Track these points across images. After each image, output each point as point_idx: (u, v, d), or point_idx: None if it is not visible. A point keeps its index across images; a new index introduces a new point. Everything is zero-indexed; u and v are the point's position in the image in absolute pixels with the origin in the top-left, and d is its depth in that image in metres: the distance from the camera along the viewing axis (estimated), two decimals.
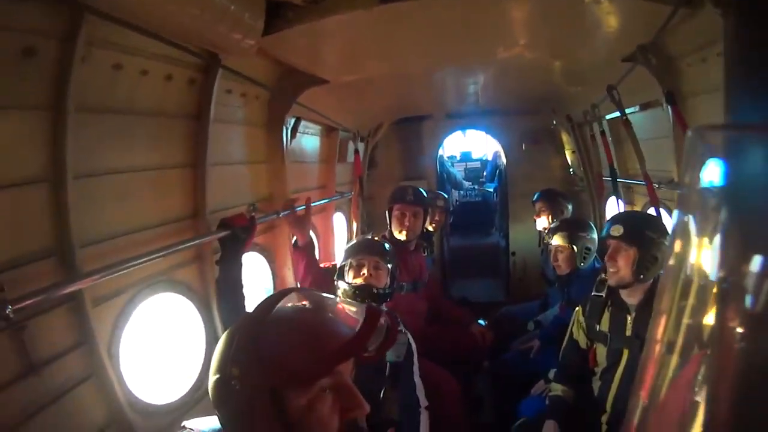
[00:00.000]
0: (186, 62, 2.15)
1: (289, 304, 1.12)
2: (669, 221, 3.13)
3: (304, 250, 3.03)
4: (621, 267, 2.39)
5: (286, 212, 2.92)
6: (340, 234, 4.59)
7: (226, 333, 1.11)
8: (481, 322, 3.87)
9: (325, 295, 1.21)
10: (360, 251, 2.71)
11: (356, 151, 4.62)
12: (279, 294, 1.13)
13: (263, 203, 3.05)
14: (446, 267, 6.03)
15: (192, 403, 2.27)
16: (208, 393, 1.96)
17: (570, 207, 4.37)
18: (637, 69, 2.86)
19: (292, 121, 3.32)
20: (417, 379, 2.61)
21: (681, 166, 0.56)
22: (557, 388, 2.72)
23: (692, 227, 0.60)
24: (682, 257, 0.60)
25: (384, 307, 2.60)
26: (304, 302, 1.14)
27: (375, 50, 2.79)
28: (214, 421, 1.11)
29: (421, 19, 2.33)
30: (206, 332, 2.47)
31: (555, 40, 2.84)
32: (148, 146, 2.09)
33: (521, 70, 3.67)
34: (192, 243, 2.19)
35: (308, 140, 3.84)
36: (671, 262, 0.62)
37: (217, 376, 1.04)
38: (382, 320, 1.09)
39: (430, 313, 3.69)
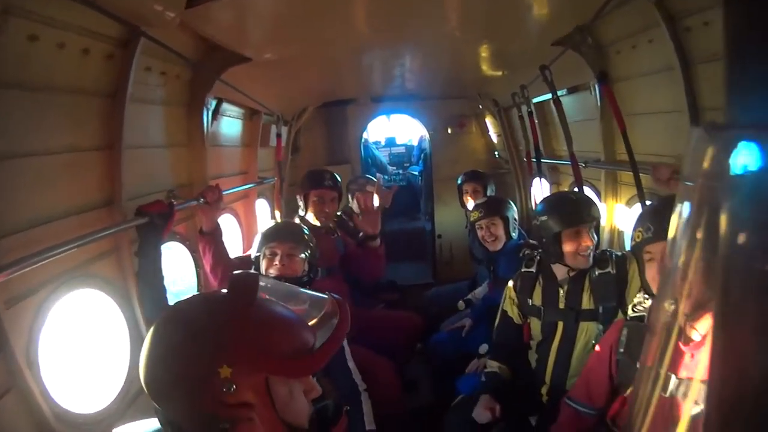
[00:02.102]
0: (105, 35, 2.00)
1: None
2: (594, 198, 3.32)
3: (210, 236, 2.91)
4: (590, 247, 2.49)
5: (203, 199, 2.79)
6: (263, 222, 4.48)
7: (175, 324, 1.07)
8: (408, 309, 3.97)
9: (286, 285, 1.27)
10: (272, 238, 2.67)
11: (278, 135, 4.52)
12: (246, 285, 1.10)
13: (182, 189, 2.92)
14: None
15: (122, 409, 2.15)
16: (138, 397, 1.87)
17: (493, 187, 4.53)
18: (567, 53, 2.98)
19: (214, 103, 3.19)
20: (351, 364, 2.62)
21: (685, 161, 0.57)
22: (493, 365, 2.79)
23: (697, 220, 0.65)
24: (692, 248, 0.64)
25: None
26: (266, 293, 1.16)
27: (300, 27, 2.70)
28: (146, 425, 1.08)
29: None
30: (129, 330, 2.33)
31: (489, 22, 2.89)
32: (62, 126, 1.93)
33: (450, 54, 3.74)
34: (107, 233, 2.04)
35: (230, 123, 3.71)
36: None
37: (194, 367, 0.99)
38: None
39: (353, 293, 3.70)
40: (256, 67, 2.99)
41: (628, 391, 1.90)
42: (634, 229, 1.82)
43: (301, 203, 3.70)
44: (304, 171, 4.85)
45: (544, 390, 2.65)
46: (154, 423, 1.07)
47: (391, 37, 3.07)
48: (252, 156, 4.14)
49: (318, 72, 3.87)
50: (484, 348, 3.11)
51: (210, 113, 3.08)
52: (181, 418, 1.00)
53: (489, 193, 4.39)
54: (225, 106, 3.39)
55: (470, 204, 4.43)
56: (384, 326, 3.65)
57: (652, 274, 1.77)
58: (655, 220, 1.73)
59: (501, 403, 2.58)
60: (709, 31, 2.11)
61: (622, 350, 1.96)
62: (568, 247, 2.51)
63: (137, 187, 2.42)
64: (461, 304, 4.00)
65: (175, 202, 2.37)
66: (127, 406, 2.17)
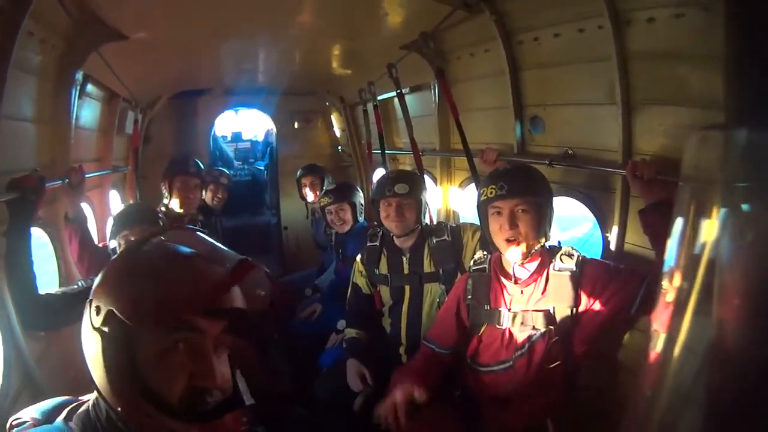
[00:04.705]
0: None
1: (169, 244, 1.09)
2: (430, 182, 3.74)
3: (77, 223, 2.73)
4: (408, 217, 2.72)
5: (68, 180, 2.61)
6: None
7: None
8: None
9: (208, 241, 1.16)
10: (124, 226, 2.52)
11: (136, 121, 4.23)
12: (156, 231, 1.11)
13: (44, 170, 2.56)
14: None
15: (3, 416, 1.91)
16: (19, 398, 1.76)
17: (330, 179, 4.66)
18: (413, 56, 3.28)
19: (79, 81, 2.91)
20: None
21: (684, 164, 0.75)
22: (351, 332, 2.93)
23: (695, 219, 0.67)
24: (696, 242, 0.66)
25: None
26: (182, 246, 1.09)
27: (172, 4, 2.63)
28: (43, 405, 1.07)
29: None
30: None
31: (347, 22, 3.08)
32: None
33: (305, 50, 3.87)
34: None
35: (90, 106, 3.41)
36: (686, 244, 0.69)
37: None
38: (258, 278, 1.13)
39: None
40: (125, 47, 2.83)
41: (481, 331, 2.15)
42: (484, 186, 2.06)
43: (165, 191, 3.55)
44: (154, 162, 4.63)
45: (402, 350, 2.82)
46: (53, 401, 1.08)
47: (256, 22, 3.02)
48: (108, 143, 3.82)
49: (180, 57, 3.74)
50: (341, 324, 3.17)
51: (77, 91, 2.85)
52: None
53: (326, 185, 4.47)
54: (89, 87, 3.13)
55: (309, 196, 4.57)
56: None
57: (497, 225, 2.02)
58: (508, 181, 1.99)
59: (367, 368, 2.72)
60: (537, 45, 2.56)
61: (470, 297, 2.20)
62: (381, 213, 2.78)
63: (5, 163, 2.17)
64: (308, 290, 4.12)
65: (44, 177, 2.21)
66: (9, 410, 1.90)
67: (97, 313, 0.98)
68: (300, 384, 3.32)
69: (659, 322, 0.71)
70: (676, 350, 0.66)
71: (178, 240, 1.10)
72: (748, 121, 0.63)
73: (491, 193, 2.01)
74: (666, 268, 0.71)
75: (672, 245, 0.70)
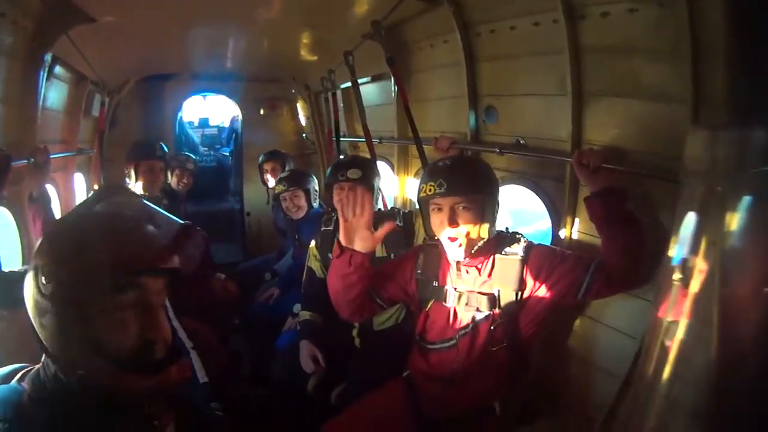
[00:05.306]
0: None
1: (115, 204, 1.17)
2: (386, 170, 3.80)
3: (41, 203, 2.68)
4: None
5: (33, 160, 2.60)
6: (81, 196, 4.10)
7: None
8: (220, 275, 3.99)
9: (152, 207, 1.22)
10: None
11: (102, 104, 4.17)
12: (105, 191, 1.15)
13: (10, 150, 2.52)
14: None
15: None
16: None
17: (291, 165, 4.70)
18: (375, 46, 3.31)
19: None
20: (175, 322, 2.52)
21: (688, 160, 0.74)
22: (305, 315, 2.93)
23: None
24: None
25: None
26: (129, 206, 1.17)
27: None
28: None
29: None
30: None
31: (312, 10, 3.08)
32: None
33: (272, 37, 3.86)
34: None
35: (58, 87, 3.37)
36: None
37: (28, 267, 1.06)
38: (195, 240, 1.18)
39: None
40: (95, 30, 2.80)
41: (429, 306, 2.13)
42: (424, 183, 1.99)
43: (129, 174, 3.53)
44: (119, 145, 4.56)
45: (354, 333, 2.87)
46: (9, 367, 1.11)
47: (224, 9, 3.00)
48: (74, 125, 3.76)
49: (148, 41, 3.68)
50: (297, 307, 3.14)
51: (46, 73, 2.82)
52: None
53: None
54: (57, 69, 3.10)
55: (270, 182, 4.58)
56: (196, 298, 3.52)
57: (438, 221, 1.96)
58: (447, 178, 1.92)
59: (320, 350, 2.76)
60: (494, 37, 2.64)
61: (419, 271, 2.16)
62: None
63: None
64: (268, 275, 4.14)
65: (10, 155, 2.20)
66: None
67: (42, 274, 1.01)
68: (259, 366, 3.36)
69: (674, 312, 0.71)
70: (690, 344, 0.68)
71: (125, 205, 1.19)
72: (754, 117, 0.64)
73: (430, 190, 1.95)
74: (677, 262, 0.72)
75: (682, 239, 0.71)
